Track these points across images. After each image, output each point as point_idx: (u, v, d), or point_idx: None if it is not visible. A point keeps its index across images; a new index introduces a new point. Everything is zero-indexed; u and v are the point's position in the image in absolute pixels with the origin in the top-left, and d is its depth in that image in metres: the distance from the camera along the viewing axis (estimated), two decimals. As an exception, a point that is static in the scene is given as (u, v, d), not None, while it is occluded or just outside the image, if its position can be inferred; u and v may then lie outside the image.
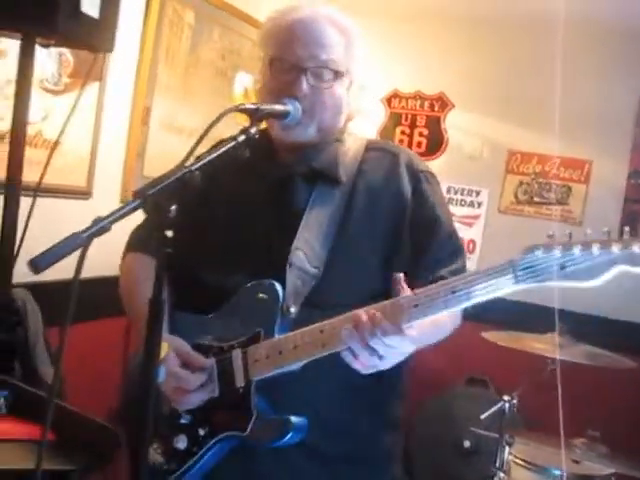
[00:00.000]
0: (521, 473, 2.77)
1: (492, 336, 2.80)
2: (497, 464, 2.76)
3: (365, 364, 1.29)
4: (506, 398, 2.76)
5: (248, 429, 1.42)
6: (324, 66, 1.49)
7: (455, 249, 1.55)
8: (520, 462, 2.77)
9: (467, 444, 3.57)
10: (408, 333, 1.26)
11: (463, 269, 1.52)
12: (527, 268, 1.20)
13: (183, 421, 1.49)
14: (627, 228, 1.15)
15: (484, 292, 1.23)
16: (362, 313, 1.28)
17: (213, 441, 1.47)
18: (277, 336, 1.41)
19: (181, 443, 1.48)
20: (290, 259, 1.45)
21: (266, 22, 1.59)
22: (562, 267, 1.17)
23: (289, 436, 1.39)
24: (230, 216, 1.57)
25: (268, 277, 1.45)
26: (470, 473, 3.50)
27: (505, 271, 1.21)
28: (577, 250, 1.16)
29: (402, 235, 1.51)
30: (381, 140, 1.69)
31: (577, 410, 2.94)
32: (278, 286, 1.43)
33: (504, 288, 1.22)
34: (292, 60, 1.50)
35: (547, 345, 2.61)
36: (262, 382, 1.43)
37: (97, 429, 1.50)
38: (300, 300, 1.44)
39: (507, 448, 2.77)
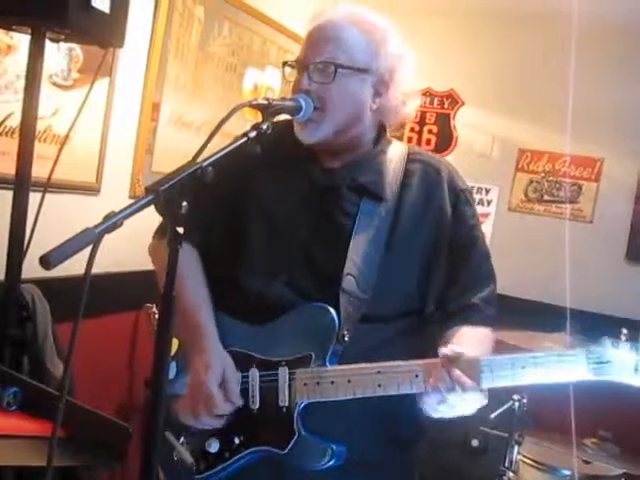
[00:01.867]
0: (530, 473, 2.75)
1: (503, 335, 2.78)
2: (506, 464, 2.75)
3: (435, 410, 1.33)
4: (516, 397, 2.74)
5: (287, 448, 1.42)
6: (328, 61, 1.45)
7: (488, 273, 1.58)
8: (529, 462, 2.76)
9: (476, 443, 3.56)
10: (483, 390, 1.31)
11: (493, 293, 1.56)
12: (602, 363, 1.28)
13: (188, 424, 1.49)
14: None
15: (554, 377, 1.31)
16: (443, 370, 1.31)
17: (247, 451, 1.47)
18: (328, 363, 1.42)
19: (213, 447, 1.48)
20: (342, 285, 1.45)
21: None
22: (636, 369, 1.27)
23: (330, 463, 1.40)
24: (268, 215, 1.55)
25: (318, 298, 1.45)
26: (479, 472, 3.48)
27: (580, 362, 1.29)
28: None
29: (440, 254, 1.53)
30: (422, 150, 1.67)
31: (588, 410, 2.92)
32: (335, 315, 1.43)
33: (577, 377, 1.30)
34: (299, 59, 1.50)
35: (558, 344, 2.58)
36: (306, 404, 1.43)
37: (107, 426, 1.48)
38: (352, 326, 1.44)
39: (516, 447, 2.76)
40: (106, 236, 1.05)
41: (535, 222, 3.87)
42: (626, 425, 3.01)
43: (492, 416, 2.74)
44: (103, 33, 1.90)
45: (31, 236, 1.97)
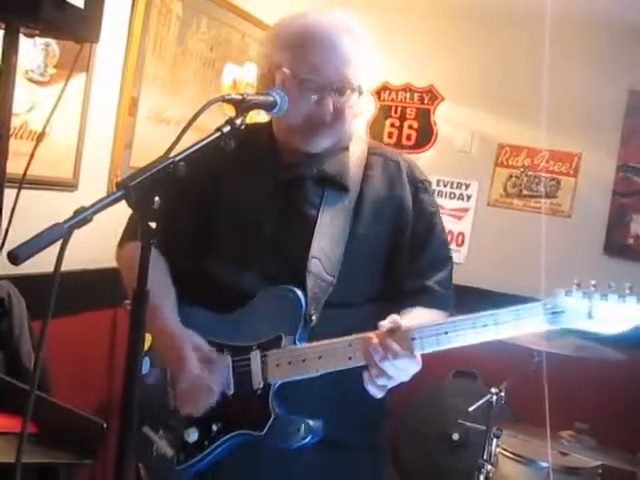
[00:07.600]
0: (509, 465, 2.78)
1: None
2: (485, 456, 2.77)
3: (377, 385, 1.36)
4: (494, 391, 2.76)
5: (265, 430, 1.44)
6: (346, 83, 1.50)
7: (444, 258, 1.64)
8: (508, 454, 2.78)
9: (456, 436, 3.58)
10: (417, 357, 1.35)
11: (449, 278, 1.61)
12: (557, 312, 1.30)
13: (195, 415, 1.49)
14: None
15: (514, 330, 1.34)
16: (374, 338, 1.34)
17: (226, 437, 1.48)
18: (298, 343, 1.45)
19: (192, 436, 1.49)
20: (308, 267, 1.50)
21: (279, 26, 1.58)
22: (589, 315, 1.28)
23: (307, 439, 1.42)
24: (237, 212, 1.58)
25: (286, 283, 1.48)
26: (459, 465, 3.51)
27: (538, 313, 1.31)
28: (603, 302, 1.27)
29: (403, 242, 1.58)
30: (381, 145, 1.76)
31: (565, 402, 2.94)
32: (301, 294, 1.46)
33: (535, 328, 1.33)
34: (317, 78, 1.49)
35: (534, 337, 2.61)
36: (280, 385, 1.45)
37: (82, 422, 1.49)
38: (319, 307, 1.48)
39: (495, 440, 2.78)
40: (85, 232, 1.05)
41: (514, 217, 3.90)
42: (603, 417, 3.04)
43: (470, 409, 2.76)
44: (78, 28, 1.89)
45: (7, 232, 1.96)
